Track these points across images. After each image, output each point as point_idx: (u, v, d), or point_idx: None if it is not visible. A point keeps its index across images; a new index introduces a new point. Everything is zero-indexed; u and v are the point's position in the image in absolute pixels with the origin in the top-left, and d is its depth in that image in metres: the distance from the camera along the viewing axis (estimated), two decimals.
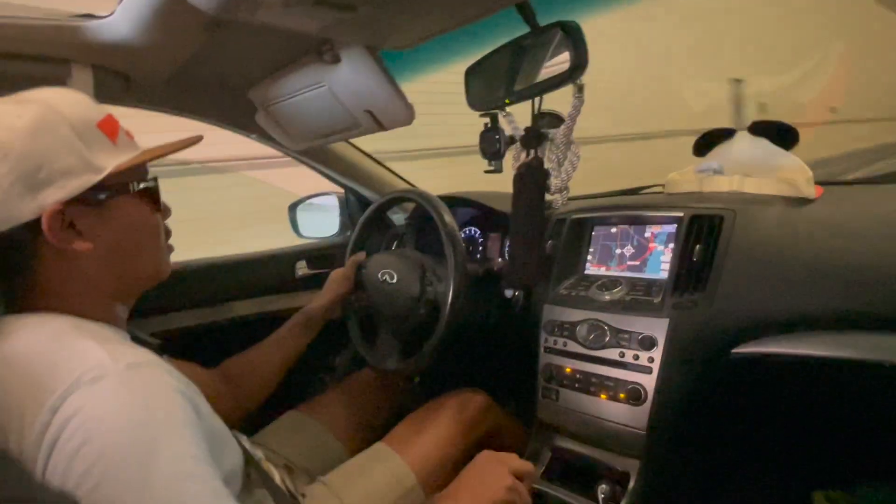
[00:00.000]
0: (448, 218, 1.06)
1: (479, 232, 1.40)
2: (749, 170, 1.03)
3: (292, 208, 1.53)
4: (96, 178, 0.57)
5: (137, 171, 0.63)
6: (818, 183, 0.95)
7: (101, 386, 0.48)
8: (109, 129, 0.60)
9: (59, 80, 0.85)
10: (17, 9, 0.77)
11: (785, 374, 0.87)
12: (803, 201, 0.93)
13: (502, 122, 1.00)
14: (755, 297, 0.86)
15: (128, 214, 0.62)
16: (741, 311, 0.86)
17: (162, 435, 0.48)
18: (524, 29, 0.81)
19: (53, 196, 0.54)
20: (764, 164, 1.01)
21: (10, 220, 0.54)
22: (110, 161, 0.59)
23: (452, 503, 0.70)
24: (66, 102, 0.58)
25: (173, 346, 0.65)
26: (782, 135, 0.99)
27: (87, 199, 0.57)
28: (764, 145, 1.01)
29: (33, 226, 0.54)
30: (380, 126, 1.00)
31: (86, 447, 0.45)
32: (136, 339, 0.64)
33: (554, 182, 0.96)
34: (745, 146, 1.04)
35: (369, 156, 1.45)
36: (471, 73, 0.93)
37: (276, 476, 0.80)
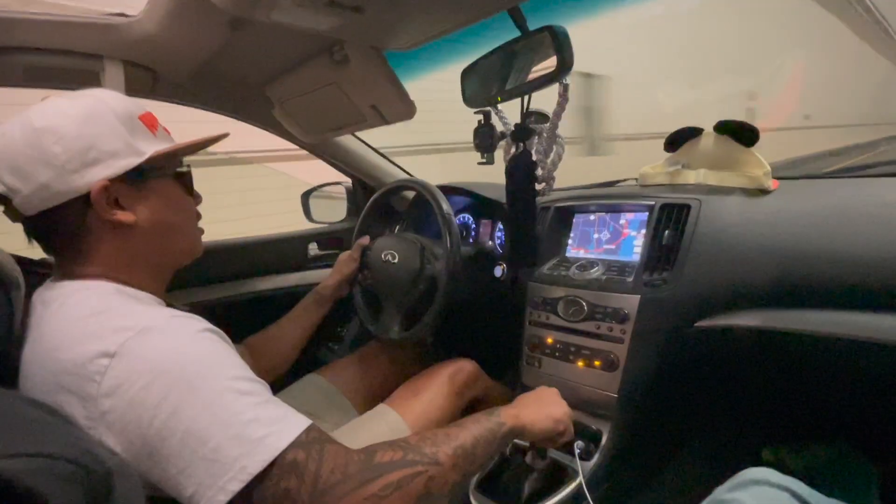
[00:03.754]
0: (445, 205, 1.06)
1: (472, 218, 1.40)
2: (714, 164, 1.02)
3: (305, 196, 1.52)
4: (138, 160, 0.58)
5: (174, 158, 0.65)
6: (775, 177, 0.95)
7: (152, 334, 0.49)
8: (149, 122, 0.62)
9: (93, 74, 0.84)
10: (54, 7, 0.75)
11: (742, 345, 0.88)
12: (762, 193, 0.93)
13: (494, 118, 0.99)
14: (717, 276, 0.86)
15: (165, 195, 0.63)
16: (704, 289, 0.86)
17: (216, 363, 0.50)
18: (516, 33, 0.79)
19: (101, 173, 0.56)
20: (727, 159, 1.01)
21: (65, 194, 0.55)
22: (151, 147, 0.60)
23: (515, 411, 0.71)
24: (112, 97, 0.59)
25: (201, 317, 0.65)
26: (744, 133, 0.98)
27: (131, 179, 0.58)
28: (727, 143, 1.01)
29: (84, 200, 0.56)
30: (384, 120, 0.99)
31: (155, 384, 0.46)
32: (171, 307, 0.64)
33: (541, 173, 0.95)
34: (710, 143, 1.04)
35: (374, 149, 1.44)
36: (466, 74, 0.92)
37: None
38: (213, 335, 0.54)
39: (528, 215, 0.98)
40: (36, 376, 0.51)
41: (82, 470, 0.27)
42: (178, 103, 1.07)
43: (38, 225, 0.58)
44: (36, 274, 0.62)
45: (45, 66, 0.80)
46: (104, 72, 0.84)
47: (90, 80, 0.83)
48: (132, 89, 0.88)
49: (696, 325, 0.86)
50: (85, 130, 0.55)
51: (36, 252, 0.62)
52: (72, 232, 0.57)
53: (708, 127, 1.04)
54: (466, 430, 0.61)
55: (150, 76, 0.93)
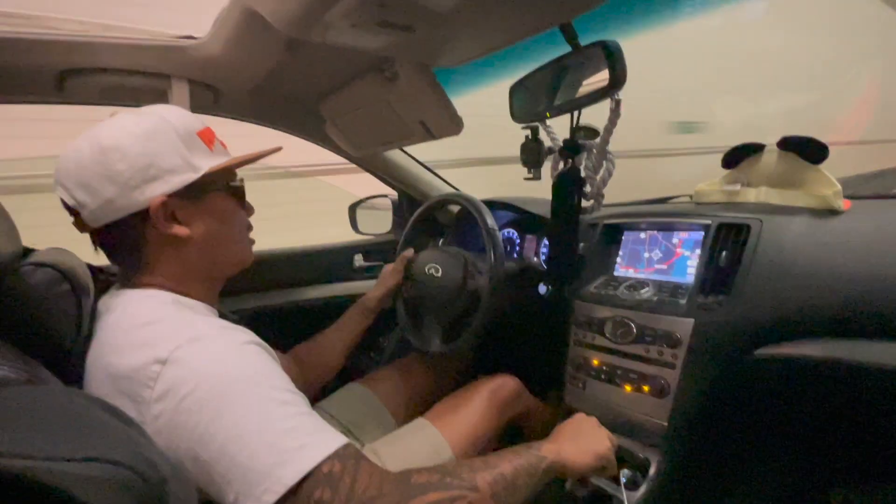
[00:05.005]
0: (489, 219, 1.05)
1: (516, 233, 1.38)
2: (776, 182, 0.96)
3: (352, 208, 1.55)
4: (195, 176, 0.61)
5: (228, 173, 0.67)
6: (847, 197, 0.89)
7: (201, 344, 0.52)
8: (207, 138, 0.64)
9: (161, 93, 0.89)
10: (129, 31, 0.81)
11: (806, 376, 0.81)
12: (831, 213, 0.86)
13: (542, 134, 0.98)
14: (780, 301, 0.80)
15: (218, 208, 0.65)
16: (765, 314, 0.81)
17: (258, 374, 0.51)
18: (565, 48, 0.78)
19: (160, 189, 0.58)
20: (792, 177, 0.95)
21: (127, 208, 0.58)
22: (206, 163, 0.63)
23: (555, 446, 0.69)
24: (174, 115, 0.62)
25: (248, 325, 0.67)
26: (811, 150, 0.92)
27: (187, 194, 0.61)
28: (792, 159, 0.95)
29: (143, 214, 0.59)
30: (431, 136, 0.99)
31: (199, 390, 0.48)
32: (222, 316, 0.67)
33: (589, 189, 0.93)
34: (772, 160, 0.98)
35: (420, 163, 1.45)
36: (515, 89, 0.91)
37: None
38: (259, 347, 0.55)
39: (570, 232, 0.96)
40: (97, 378, 0.54)
41: (139, 477, 0.27)
42: (237, 119, 1.12)
43: (103, 236, 0.61)
44: (100, 280, 0.66)
45: (118, 85, 0.86)
46: (171, 90, 0.89)
47: (158, 97, 0.88)
48: (196, 106, 0.93)
49: (756, 352, 0.81)
50: (147, 148, 0.58)
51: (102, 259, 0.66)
52: (132, 244, 0.61)
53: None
54: (505, 459, 0.60)
55: (212, 94, 0.98)
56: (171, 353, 0.50)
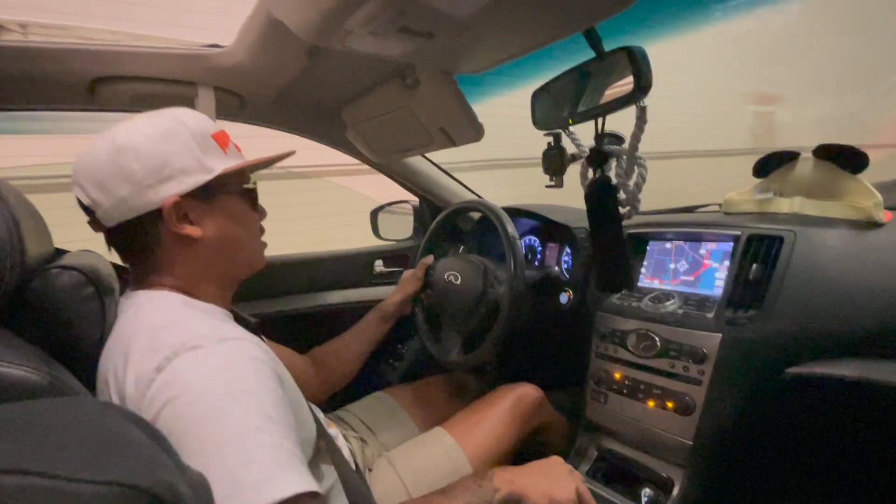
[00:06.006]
0: (510, 228, 1.04)
1: (538, 241, 1.37)
2: (812, 192, 0.92)
3: (374, 213, 1.55)
4: (208, 177, 0.61)
5: (241, 175, 0.67)
6: (888, 208, 0.84)
7: (197, 353, 0.50)
8: (221, 140, 0.65)
9: (188, 100, 0.91)
10: (158, 40, 0.83)
11: (840, 397, 0.77)
12: (871, 226, 0.82)
13: (565, 141, 0.96)
14: (814, 318, 0.77)
15: (231, 210, 0.66)
16: (798, 331, 0.77)
17: (242, 394, 0.49)
18: (589, 54, 0.77)
19: (174, 189, 0.59)
20: (828, 187, 0.91)
21: (141, 208, 0.59)
22: (220, 165, 0.63)
23: (511, 476, 0.67)
24: (190, 117, 0.63)
25: (268, 329, 0.67)
26: (850, 159, 0.88)
27: (200, 195, 0.62)
28: (829, 169, 0.91)
29: (156, 214, 0.59)
30: (452, 143, 0.99)
31: (178, 400, 0.47)
32: (238, 318, 0.68)
33: (623, 196, 0.90)
34: (807, 169, 0.94)
35: (442, 169, 1.45)
36: (537, 96, 0.90)
37: (346, 451, 0.81)
38: (259, 364, 0.53)
39: (616, 240, 0.91)
40: (107, 381, 0.54)
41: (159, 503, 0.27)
42: (261, 125, 1.14)
43: (117, 236, 0.62)
44: (124, 280, 0.68)
45: (147, 92, 0.89)
46: (197, 97, 0.91)
47: (185, 104, 0.89)
48: (221, 113, 0.95)
49: (787, 370, 0.77)
50: (161, 149, 0.58)
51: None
52: (145, 244, 0.61)
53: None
54: (453, 498, 0.58)
55: (237, 101, 0.99)
56: (167, 360, 0.49)
